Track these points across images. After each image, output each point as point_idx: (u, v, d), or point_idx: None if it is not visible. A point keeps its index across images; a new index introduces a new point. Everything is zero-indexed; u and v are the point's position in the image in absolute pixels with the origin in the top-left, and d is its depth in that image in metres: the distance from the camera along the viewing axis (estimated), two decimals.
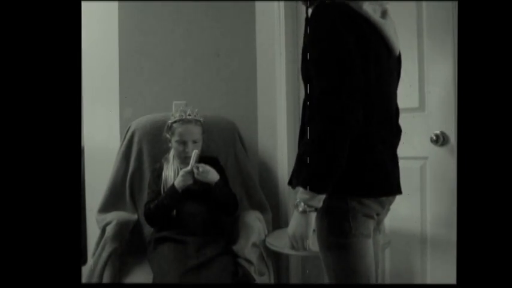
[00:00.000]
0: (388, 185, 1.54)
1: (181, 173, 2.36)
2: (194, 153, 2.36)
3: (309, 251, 1.46)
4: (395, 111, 1.64)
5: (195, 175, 2.35)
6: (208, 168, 2.38)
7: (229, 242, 2.44)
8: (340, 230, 1.47)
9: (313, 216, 1.41)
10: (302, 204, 1.39)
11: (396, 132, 1.64)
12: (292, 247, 1.46)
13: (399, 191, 1.60)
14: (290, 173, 2.81)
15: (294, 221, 1.43)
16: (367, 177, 1.47)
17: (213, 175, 2.40)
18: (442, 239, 2.32)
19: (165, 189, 2.41)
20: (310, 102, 1.44)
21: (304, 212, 1.40)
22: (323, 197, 1.39)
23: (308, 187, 1.37)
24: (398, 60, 1.66)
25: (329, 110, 1.33)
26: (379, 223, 1.64)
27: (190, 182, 2.35)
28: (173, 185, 2.36)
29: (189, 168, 2.35)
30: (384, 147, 1.53)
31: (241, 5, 2.99)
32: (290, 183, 1.57)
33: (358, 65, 1.38)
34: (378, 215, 1.56)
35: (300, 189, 1.39)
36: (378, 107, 1.49)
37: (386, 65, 1.54)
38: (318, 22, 1.41)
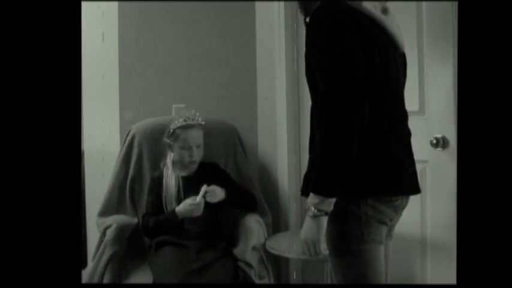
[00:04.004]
0: (405, 183, 1.51)
1: (188, 205, 2.31)
2: (203, 188, 2.31)
3: (321, 255, 1.43)
4: (405, 110, 1.60)
5: (206, 200, 2.32)
6: (216, 191, 2.36)
7: (229, 245, 2.44)
8: (352, 236, 1.43)
9: (324, 220, 1.37)
10: (312, 208, 1.36)
11: (408, 131, 1.61)
12: (305, 252, 1.42)
13: (417, 190, 1.56)
14: (289, 175, 2.85)
15: (306, 225, 1.39)
16: (382, 176, 1.43)
17: (220, 194, 2.39)
18: (442, 242, 2.32)
19: (167, 198, 2.41)
20: (317, 106, 1.42)
21: (314, 216, 1.36)
22: (333, 200, 1.35)
23: (316, 191, 1.34)
24: (403, 57, 1.63)
25: (333, 110, 1.31)
26: (391, 229, 1.60)
27: (196, 214, 2.31)
28: (175, 212, 2.33)
29: (197, 200, 2.30)
30: (398, 144, 1.50)
31: (241, 5, 2.99)
32: (303, 193, 1.48)
33: (361, 63, 1.36)
34: (390, 220, 1.52)
35: (310, 194, 1.36)
36: (387, 102, 1.46)
37: (393, 60, 1.52)
38: (318, 25, 1.40)
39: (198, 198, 2.30)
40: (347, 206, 1.40)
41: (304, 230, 1.40)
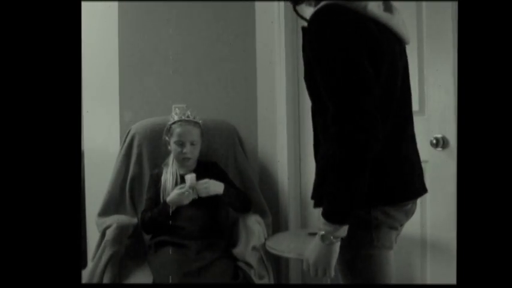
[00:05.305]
0: (416, 186, 1.47)
1: (176, 191, 2.35)
2: (190, 177, 2.34)
3: (330, 277, 1.37)
4: (411, 105, 1.52)
5: (198, 193, 2.34)
6: (209, 183, 2.37)
7: (229, 245, 2.44)
8: (361, 241, 1.38)
9: (337, 245, 1.31)
10: (329, 236, 1.29)
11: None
12: (313, 274, 1.35)
13: (425, 190, 1.53)
14: (289, 175, 2.84)
15: (318, 250, 1.32)
16: (394, 182, 1.38)
17: (215, 187, 2.40)
18: (442, 242, 2.32)
19: (164, 195, 2.42)
20: (324, 120, 1.31)
21: (331, 243, 1.30)
22: (347, 226, 1.29)
23: (331, 220, 1.28)
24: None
25: (345, 134, 1.23)
26: (398, 234, 1.53)
27: (185, 202, 2.34)
28: (165, 202, 2.37)
29: (184, 189, 2.33)
30: (407, 146, 1.45)
31: (241, 5, 2.99)
32: (313, 199, 1.45)
33: (371, 74, 1.26)
34: (401, 225, 1.48)
35: (322, 221, 1.29)
36: (396, 106, 1.39)
37: (399, 58, 1.43)
38: (319, 33, 1.28)
39: (186, 187, 2.33)
40: (357, 211, 1.32)
41: (315, 254, 1.33)
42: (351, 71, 1.25)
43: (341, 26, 1.27)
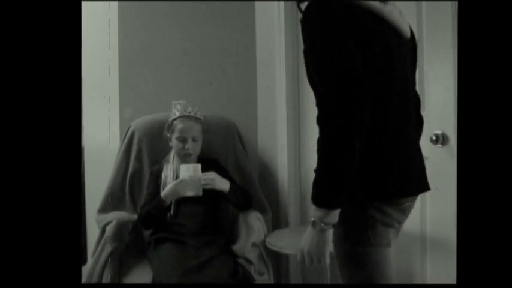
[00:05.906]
0: (415, 183, 1.46)
1: (173, 184, 2.36)
2: (188, 168, 2.34)
3: (325, 264, 1.37)
4: (413, 99, 1.53)
5: (203, 182, 2.34)
6: (215, 176, 2.37)
7: (229, 242, 2.44)
8: (357, 238, 1.39)
9: (330, 233, 1.32)
10: (319, 222, 1.30)
11: (417, 123, 1.55)
12: (308, 263, 1.36)
13: (427, 187, 1.52)
14: (289, 172, 2.85)
15: (311, 238, 1.33)
16: (390, 178, 1.38)
17: (221, 184, 2.40)
18: (442, 239, 2.32)
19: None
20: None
21: (321, 230, 1.31)
22: (338, 211, 1.30)
23: (319, 204, 1.29)
24: (412, 42, 1.52)
25: (329, 116, 1.25)
26: (398, 231, 1.53)
27: (182, 193, 2.34)
28: (160, 196, 2.36)
29: (178, 180, 2.34)
30: (405, 142, 1.44)
31: (241, 5, 2.99)
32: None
33: (358, 62, 1.28)
34: (399, 223, 1.47)
35: (313, 207, 1.30)
36: (393, 98, 1.39)
37: (397, 51, 1.41)
38: (311, 22, 1.32)
39: (181, 177, 2.33)
40: (352, 208, 1.34)
41: (308, 243, 1.34)
42: (337, 57, 1.27)
43: (330, 14, 1.30)
